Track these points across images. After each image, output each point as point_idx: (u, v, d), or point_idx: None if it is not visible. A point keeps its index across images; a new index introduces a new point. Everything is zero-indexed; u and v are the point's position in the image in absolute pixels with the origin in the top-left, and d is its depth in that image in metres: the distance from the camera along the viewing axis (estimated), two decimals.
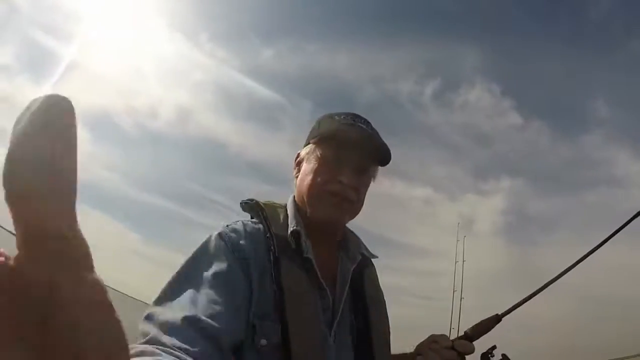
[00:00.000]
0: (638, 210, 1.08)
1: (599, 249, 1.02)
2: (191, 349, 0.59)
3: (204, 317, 0.65)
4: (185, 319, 0.63)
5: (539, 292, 0.98)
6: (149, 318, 0.65)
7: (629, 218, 1.07)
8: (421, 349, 0.98)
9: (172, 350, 0.57)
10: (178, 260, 0.82)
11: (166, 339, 0.59)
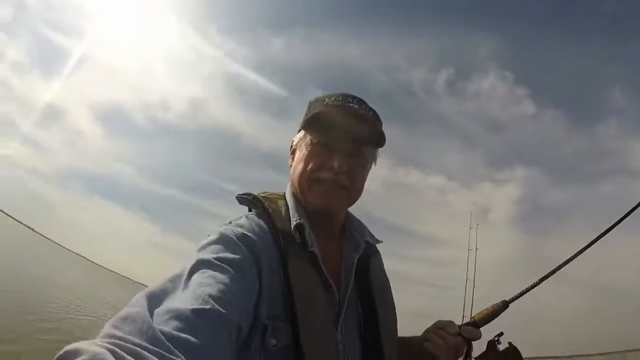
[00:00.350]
0: None
1: (608, 238, 0.99)
2: (195, 339, 0.53)
3: (212, 302, 0.60)
4: (192, 305, 0.58)
5: (546, 278, 0.97)
6: (150, 298, 0.58)
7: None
8: (428, 334, 0.98)
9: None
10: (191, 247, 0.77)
11: (164, 329, 0.52)
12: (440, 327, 0.97)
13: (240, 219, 0.86)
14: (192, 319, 0.55)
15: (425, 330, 1.00)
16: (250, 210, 0.93)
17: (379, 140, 0.92)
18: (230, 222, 0.84)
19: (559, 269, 0.97)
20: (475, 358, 0.96)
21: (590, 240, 0.99)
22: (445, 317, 1.00)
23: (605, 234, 1.00)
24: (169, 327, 0.53)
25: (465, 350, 0.96)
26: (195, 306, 0.57)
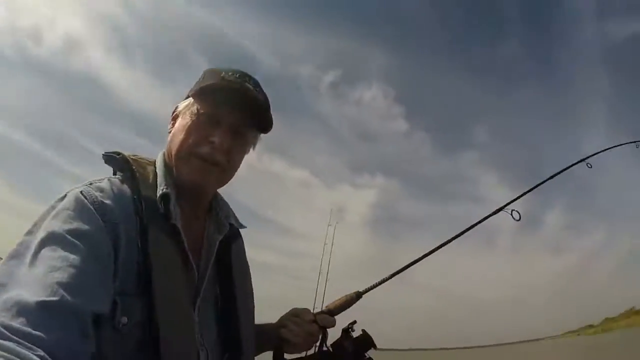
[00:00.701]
0: (487, 215, 1.27)
1: (453, 253, 1.16)
2: (45, 336, 0.50)
3: (62, 292, 0.54)
4: (39, 296, 0.53)
5: (395, 274, 1.08)
6: None
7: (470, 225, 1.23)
8: (284, 321, 0.99)
9: (16, 343, 0.47)
10: (36, 209, 0.69)
11: (13, 325, 0.48)
12: (296, 315, 0.99)
13: (102, 181, 0.77)
14: (40, 314, 0.51)
15: (281, 317, 1.01)
16: (115, 173, 0.84)
17: (267, 126, 0.92)
18: (91, 184, 0.75)
19: (407, 268, 1.10)
20: (330, 344, 1.00)
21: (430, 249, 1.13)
22: (300, 307, 1.03)
23: (441, 246, 1.17)
24: (17, 322, 0.49)
25: (320, 337, 1.00)
26: (44, 298, 0.53)
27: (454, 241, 1.18)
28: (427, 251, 1.13)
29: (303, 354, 1.01)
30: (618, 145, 2.12)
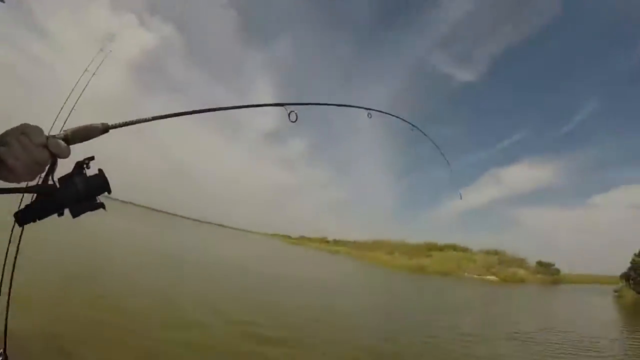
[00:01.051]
0: (266, 104, 1.27)
1: None
2: None
3: None
4: None
5: (153, 120, 0.96)
6: None
7: None
8: (7, 138, 0.75)
9: None
10: None
11: None
12: (24, 132, 0.75)
13: None
14: None
15: (5, 132, 0.76)
16: None
17: None
18: None
19: (163, 118, 0.99)
20: (58, 178, 0.81)
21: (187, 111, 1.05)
22: (20, 123, 0.78)
23: (200, 112, 1.07)
24: None
25: (48, 167, 0.79)
26: None
27: (208, 113, 1.09)
28: (182, 111, 1.03)
29: (22, 185, 0.80)
30: (397, 117, 2.60)
